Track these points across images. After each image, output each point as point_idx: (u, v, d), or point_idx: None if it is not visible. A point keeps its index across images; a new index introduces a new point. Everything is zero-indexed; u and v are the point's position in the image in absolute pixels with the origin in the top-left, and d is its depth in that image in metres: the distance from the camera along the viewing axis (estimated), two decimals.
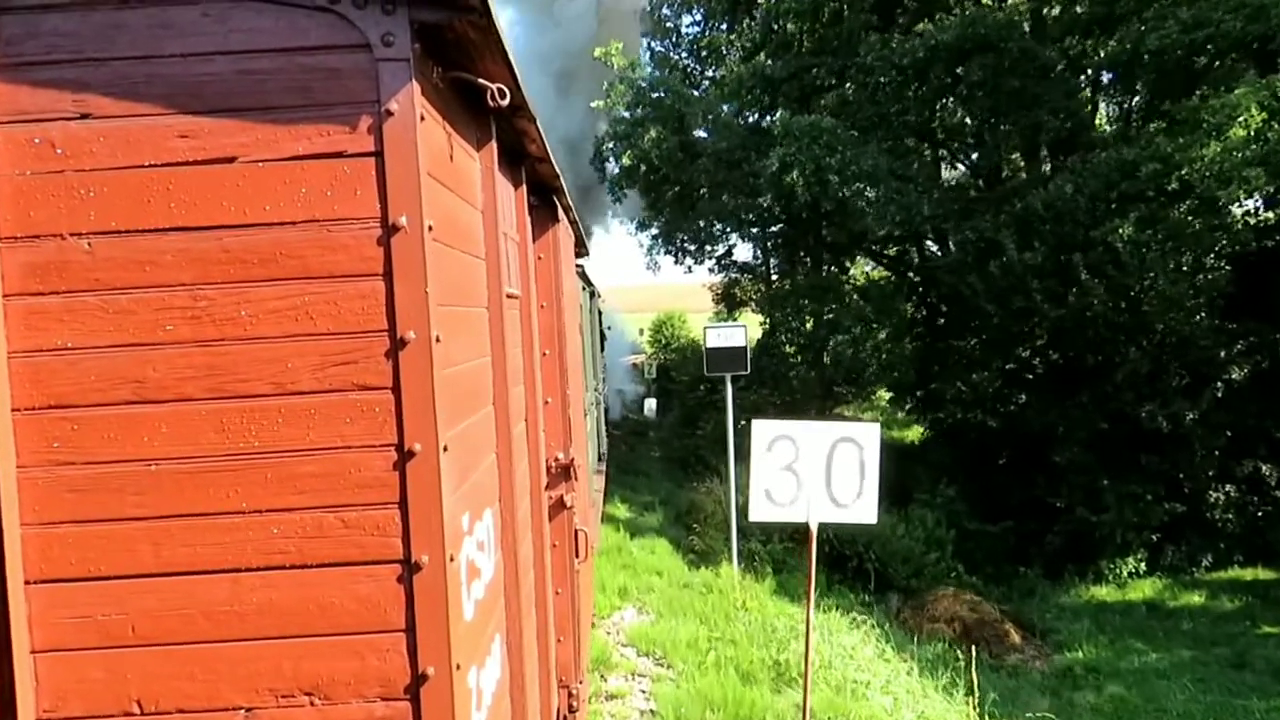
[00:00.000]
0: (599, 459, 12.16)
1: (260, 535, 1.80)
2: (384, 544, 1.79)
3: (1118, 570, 15.03)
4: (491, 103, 2.08)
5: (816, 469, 4.47)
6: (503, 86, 2.07)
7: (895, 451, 24.63)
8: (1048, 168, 17.68)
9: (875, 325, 17.46)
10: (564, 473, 3.63)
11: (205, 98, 1.82)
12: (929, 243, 20.17)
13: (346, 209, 1.82)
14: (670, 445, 20.52)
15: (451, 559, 1.80)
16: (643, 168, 18.08)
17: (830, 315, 17.68)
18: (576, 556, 3.79)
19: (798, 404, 17.17)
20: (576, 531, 3.80)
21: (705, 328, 10.49)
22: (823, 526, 12.99)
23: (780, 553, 11.77)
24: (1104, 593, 14.83)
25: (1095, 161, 14.76)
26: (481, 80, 2.07)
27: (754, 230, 19.83)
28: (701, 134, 18.58)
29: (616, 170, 19.07)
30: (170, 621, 1.80)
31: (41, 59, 1.83)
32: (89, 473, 1.81)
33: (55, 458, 1.81)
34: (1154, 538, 15.10)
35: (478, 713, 1.97)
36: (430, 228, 1.83)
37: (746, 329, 10.22)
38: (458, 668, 1.79)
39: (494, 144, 2.47)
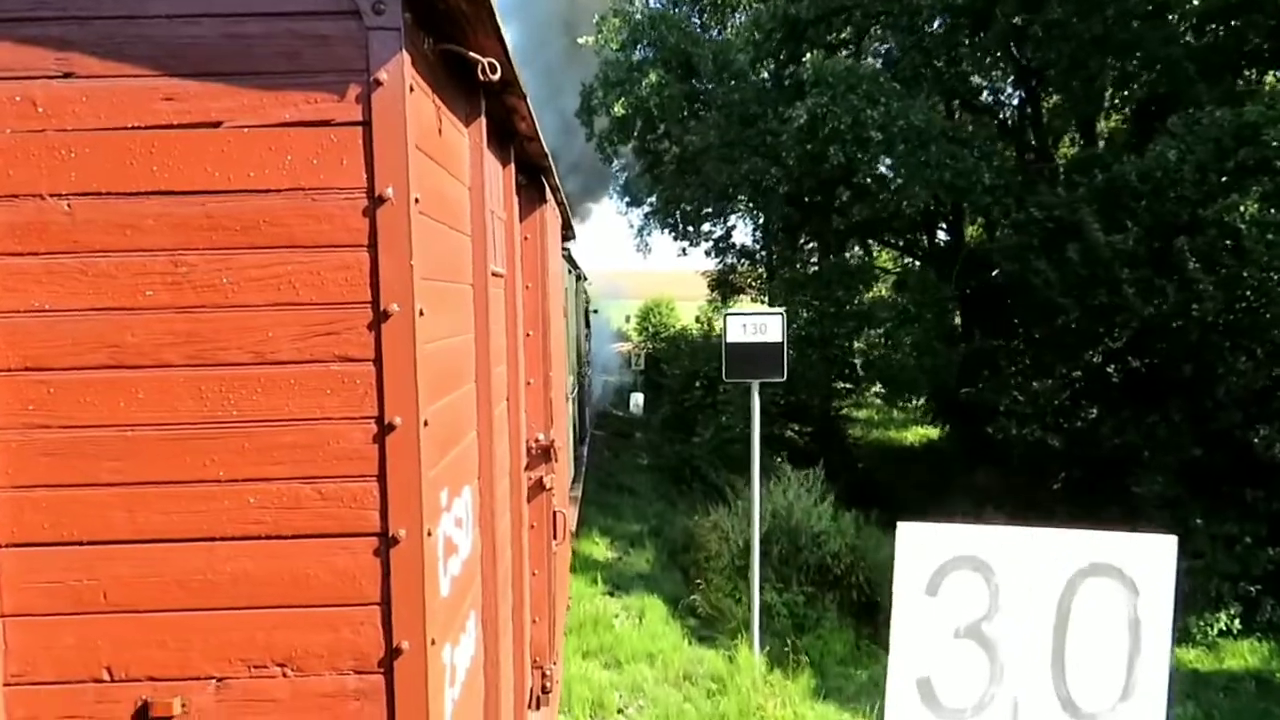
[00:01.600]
0: (573, 471, 11.76)
1: (236, 504, 2.21)
2: (361, 517, 2.21)
3: (1207, 628, 15.21)
4: (482, 76, 2.50)
5: (1036, 633, 2.84)
6: (494, 61, 2.49)
7: (903, 458, 24.87)
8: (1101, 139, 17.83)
9: (915, 319, 17.70)
10: (544, 454, 4.14)
11: (191, 60, 2.22)
12: (940, 231, 20.59)
13: (332, 178, 2.23)
14: (660, 451, 20.71)
15: (429, 534, 2.22)
16: (639, 121, 18.26)
17: (856, 305, 17.89)
18: (554, 538, 4.26)
19: (803, 404, 17.51)
20: (555, 513, 4.26)
21: (726, 314, 9.30)
22: (854, 559, 12.52)
23: (801, 605, 11.49)
24: (1193, 657, 14.90)
25: (1205, 123, 14.41)
26: (473, 53, 2.49)
27: (766, 202, 20.16)
28: (704, 87, 18.91)
29: (607, 123, 19.28)
30: (143, 589, 2.21)
31: (25, 15, 2.23)
32: (64, 436, 2.22)
33: (30, 420, 2.22)
34: (1252, 590, 15.28)
35: (451, 689, 2.39)
36: (417, 200, 2.25)
37: (784, 318, 8.99)
38: (432, 643, 2.21)
39: (483, 120, 2.89)
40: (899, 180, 16.10)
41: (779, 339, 8.73)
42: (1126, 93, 17.48)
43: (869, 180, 17.79)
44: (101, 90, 2.22)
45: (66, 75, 2.22)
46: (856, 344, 19.24)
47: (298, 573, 2.21)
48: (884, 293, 22.10)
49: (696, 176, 19.91)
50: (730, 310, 10.46)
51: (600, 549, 13.09)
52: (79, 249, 2.22)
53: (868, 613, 12.28)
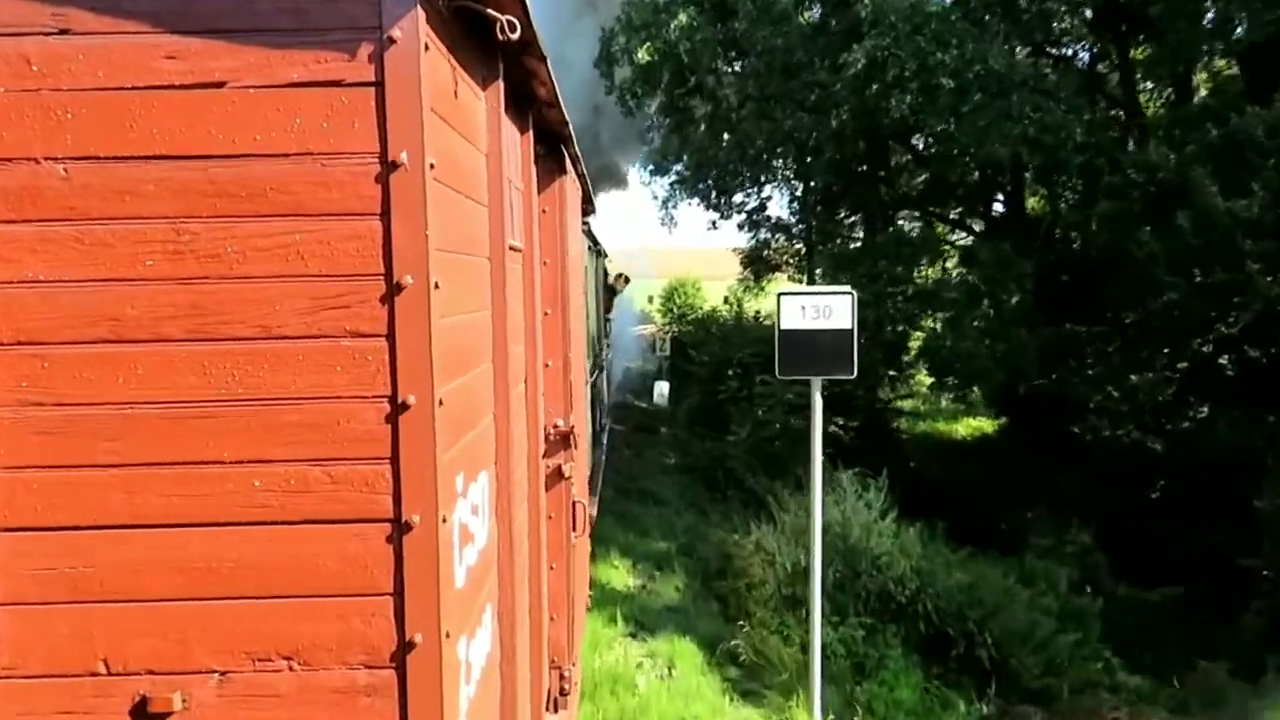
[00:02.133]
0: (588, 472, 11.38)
1: (241, 487, 2.31)
2: (373, 501, 2.30)
3: None
4: (500, 36, 2.58)
5: None
6: (513, 19, 2.57)
7: (955, 454, 24.32)
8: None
9: (988, 301, 17.29)
10: (563, 441, 4.28)
11: (194, 17, 2.31)
12: (996, 203, 20.34)
13: (343, 142, 2.31)
14: (688, 449, 20.34)
15: (444, 520, 2.30)
16: (667, 72, 17.94)
17: (918, 284, 17.59)
18: (573, 530, 4.38)
19: (847, 395, 17.32)
20: (574, 504, 4.38)
21: (780, 294, 8.29)
22: (919, 584, 12.10)
23: (860, 641, 10.74)
24: None
25: None
26: (490, 11, 2.57)
27: (808, 166, 19.92)
28: (742, 30, 18.65)
29: (630, 73, 18.93)
30: (142, 576, 2.31)
31: None
32: (59, 414, 2.32)
33: (23, 397, 2.32)
34: None
35: (466, 686, 2.48)
36: (432, 166, 2.33)
37: (854, 299, 7.97)
38: (447, 636, 2.30)
39: (501, 83, 2.98)
40: (967, 137, 15.59)
41: (848, 325, 7.76)
42: (1240, 33, 16.99)
43: (932, 138, 17.45)
44: (99, 48, 2.30)
45: (62, 32, 2.31)
46: (915, 329, 19.01)
47: (305, 560, 2.30)
48: (937, 271, 21.90)
49: (731, 135, 19.63)
50: (785, 289, 9.09)
51: (620, 574, 12.32)
52: (75, 216, 2.31)
53: (937, 647, 11.51)
